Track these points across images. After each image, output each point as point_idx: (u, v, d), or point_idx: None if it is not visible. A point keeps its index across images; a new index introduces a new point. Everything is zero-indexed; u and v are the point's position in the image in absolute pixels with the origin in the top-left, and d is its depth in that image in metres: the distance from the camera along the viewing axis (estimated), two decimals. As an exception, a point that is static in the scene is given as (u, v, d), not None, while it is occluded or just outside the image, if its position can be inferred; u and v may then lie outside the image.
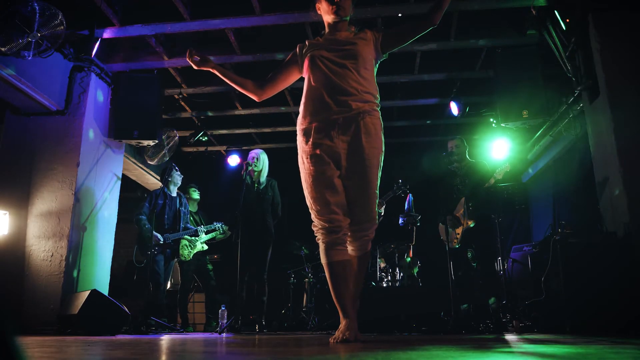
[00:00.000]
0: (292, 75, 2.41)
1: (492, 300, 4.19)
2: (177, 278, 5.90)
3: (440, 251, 4.45)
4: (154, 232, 4.71)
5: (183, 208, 5.18)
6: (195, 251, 5.41)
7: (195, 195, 5.83)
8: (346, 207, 2.18)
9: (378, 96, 2.28)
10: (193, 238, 5.34)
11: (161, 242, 4.82)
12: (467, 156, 4.58)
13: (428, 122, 6.45)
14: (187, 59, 2.29)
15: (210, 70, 2.34)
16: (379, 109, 2.28)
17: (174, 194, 5.13)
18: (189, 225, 5.20)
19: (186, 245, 5.37)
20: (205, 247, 5.45)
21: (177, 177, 5.16)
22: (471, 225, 4.32)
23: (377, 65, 2.35)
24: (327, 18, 2.31)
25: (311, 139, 2.19)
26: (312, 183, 2.18)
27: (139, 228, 4.82)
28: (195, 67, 2.33)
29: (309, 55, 2.27)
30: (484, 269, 4.30)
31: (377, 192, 2.24)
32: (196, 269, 5.52)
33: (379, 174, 2.23)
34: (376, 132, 2.21)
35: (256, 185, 4.77)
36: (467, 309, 4.21)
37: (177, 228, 5.04)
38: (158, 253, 4.81)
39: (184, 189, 5.68)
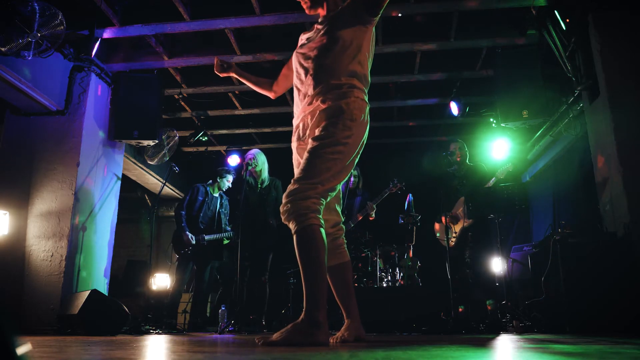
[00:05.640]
0: (292, 72, 2.37)
1: (489, 301, 4.19)
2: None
3: (439, 251, 4.46)
4: (187, 233, 4.80)
5: (223, 209, 5.20)
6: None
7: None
8: (334, 209, 2.17)
9: (358, 73, 2.04)
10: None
11: (193, 243, 4.84)
12: (467, 161, 4.70)
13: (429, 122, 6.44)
14: (215, 70, 2.43)
15: (232, 75, 2.44)
16: (357, 88, 2.02)
17: (216, 194, 5.18)
18: (227, 227, 5.18)
19: None
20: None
21: (226, 183, 5.22)
22: (466, 226, 4.36)
23: (372, 28, 2.09)
24: None
25: (292, 140, 2.21)
26: None
27: (177, 223, 4.92)
28: (221, 75, 2.46)
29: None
30: (478, 269, 4.32)
31: (330, 166, 1.90)
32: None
33: (340, 151, 1.92)
34: (338, 107, 1.96)
35: (259, 185, 4.76)
36: (464, 310, 4.21)
37: (214, 230, 5.04)
38: (192, 255, 4.89)
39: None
